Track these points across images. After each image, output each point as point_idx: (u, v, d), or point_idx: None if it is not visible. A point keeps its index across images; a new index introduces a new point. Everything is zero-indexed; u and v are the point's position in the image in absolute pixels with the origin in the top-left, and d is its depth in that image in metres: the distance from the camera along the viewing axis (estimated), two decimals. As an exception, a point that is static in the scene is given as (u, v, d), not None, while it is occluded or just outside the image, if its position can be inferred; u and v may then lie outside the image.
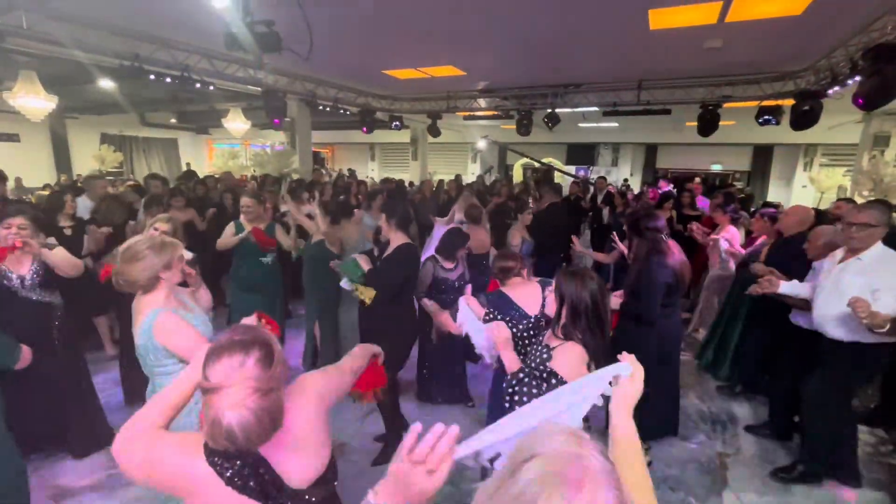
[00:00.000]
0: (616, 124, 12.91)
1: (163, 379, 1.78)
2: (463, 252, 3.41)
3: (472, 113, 8.25)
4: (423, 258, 5.43)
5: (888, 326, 2.20)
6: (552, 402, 1.13)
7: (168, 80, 4.99)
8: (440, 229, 5.46)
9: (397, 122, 8.47)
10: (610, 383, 1.11)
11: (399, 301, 2.83)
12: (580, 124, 13.07)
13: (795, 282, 2.81)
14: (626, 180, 13.96)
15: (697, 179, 15.28)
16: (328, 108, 7.47)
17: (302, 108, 9.05)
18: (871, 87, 3.51)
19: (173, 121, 16.44)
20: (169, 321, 1.72)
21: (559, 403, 1.12)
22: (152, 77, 4.64)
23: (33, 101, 6.46)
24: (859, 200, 8.12)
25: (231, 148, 10.68)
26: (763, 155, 13.94)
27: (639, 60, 5.85)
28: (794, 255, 3.19)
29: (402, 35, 4.93)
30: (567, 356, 1.63)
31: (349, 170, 16.69)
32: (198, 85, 5.44)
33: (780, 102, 6.12)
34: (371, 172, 19.73)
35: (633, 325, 2.73)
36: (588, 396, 1.13)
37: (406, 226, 2.78)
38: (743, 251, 4.29)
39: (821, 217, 4.68)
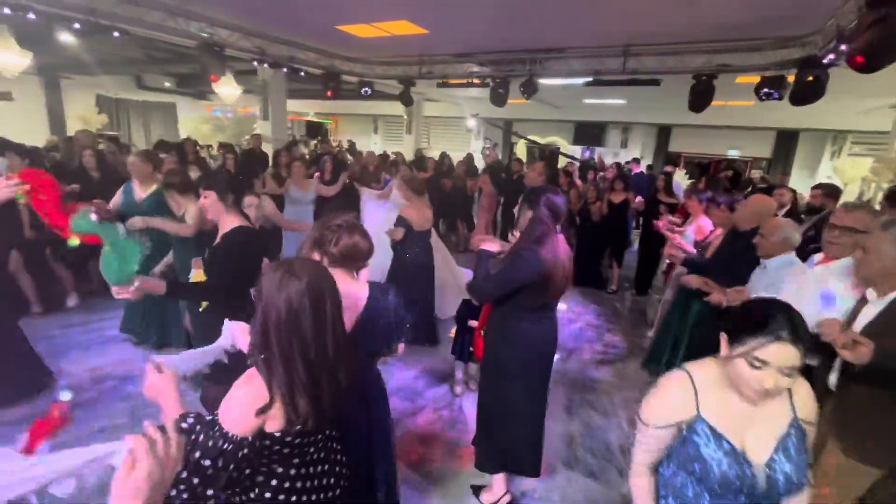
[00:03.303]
0: (624, 101, 11.90)
1: None
2: None
3: (446, 80, 7.51)
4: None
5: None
6: None
7: (76, 25, 4.47)
8: (373, 204, 4.90)
9: (367, 88, 7.82)
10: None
11: (238, 298, 2.25)
12: (585, 100, 12.12)
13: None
14: (629, 162, 12.93)
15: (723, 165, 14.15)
16: (286, 71, 6.86)
17: (276, 72, 8.46)
18: (873, 39, 2.68)
19: (168, 84, 16.09)
20: None
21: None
22: (32, 17, 4.11)
23: (6, 56, 6.09)
24: (870, 194, 7.15)
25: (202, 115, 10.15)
26: (787, 141, 12.70)
27: (622, 19, 5.04)
28: (744, 252, 2.62)
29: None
30: (234, 395, 1.08)
31: (349, 141, 16.16)
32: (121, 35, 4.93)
33: (785, 73, 5.21)
34: (374, 145, 19.15)
35: (499, 325, 2.20)
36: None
37: (239, 203, 2.20)
38: (692, 249, 3.62)
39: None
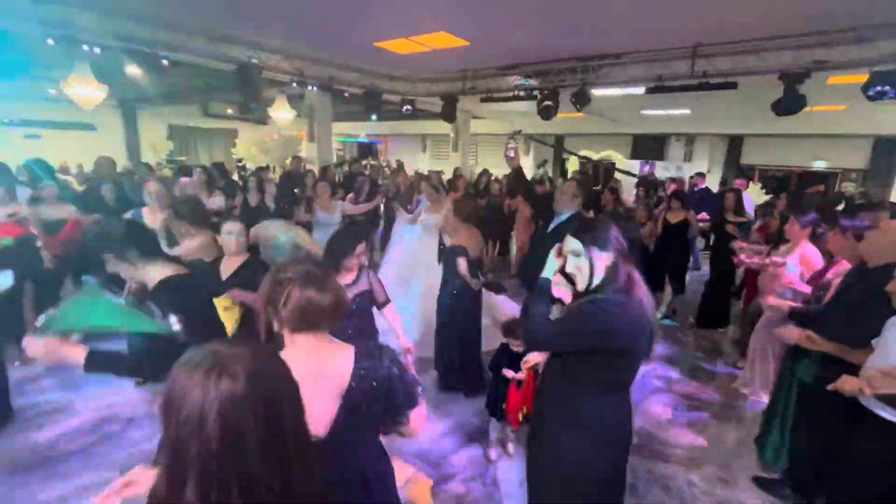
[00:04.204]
0: (688, 111, 10.92)
1: None
2: (355, 261, 2.44)
3: (490, 94, 7.11)
4: (383, 265, 4.55)
5: None
6: None
7: (98, 49, 4.56)
8: (403, 228, 4.52)
9: (409, 107, 7.59)
10: None
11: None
12: (643, 111, 11.25)
13: None
14: (693, 177, 11.78)
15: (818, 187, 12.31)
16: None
17: (322, 95, 8.50)
18: None
19: (230, 112, 17.05)
20: None
21: None
22: (85, 48, 4.21)
23: (85, 90, 6.52)
24: None
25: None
26: (887, 150, 11.05)
27: (691, 14, 4.41)
28: (873, 295, 1.94)
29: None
30: None
31: (398, 161, 16.24)
32: (165, 62, 5.01)
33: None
34: (422, 164, 19.16)
35: (561, 405, 1.61)
36: None
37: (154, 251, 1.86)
38: (807, 289, 2.87)
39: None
